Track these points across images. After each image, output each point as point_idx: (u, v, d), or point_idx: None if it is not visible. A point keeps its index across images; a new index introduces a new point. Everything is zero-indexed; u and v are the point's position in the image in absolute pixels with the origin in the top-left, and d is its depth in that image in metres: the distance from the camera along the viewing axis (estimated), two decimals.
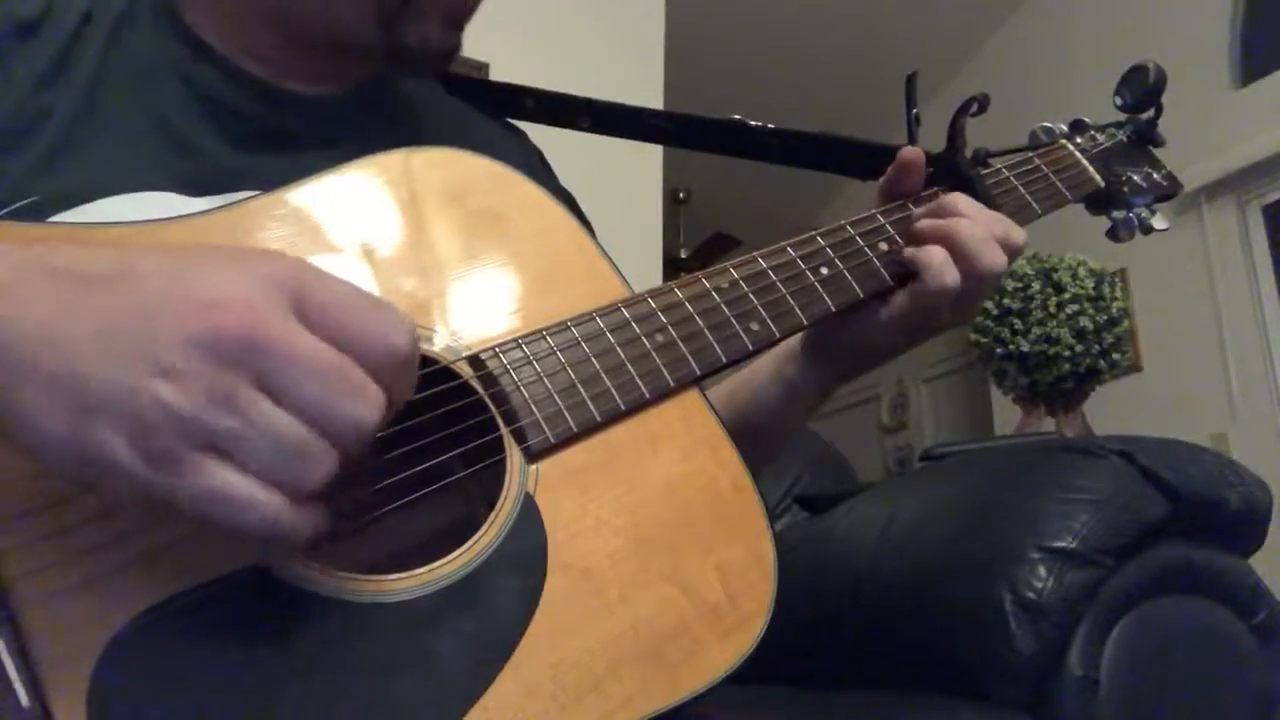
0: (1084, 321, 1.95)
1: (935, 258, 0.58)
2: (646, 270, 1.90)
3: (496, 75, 1.68)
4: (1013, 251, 0.61)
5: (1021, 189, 0.67)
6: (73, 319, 0.32)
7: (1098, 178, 0.73)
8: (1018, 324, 2.01)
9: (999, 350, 2.04)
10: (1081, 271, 2.01)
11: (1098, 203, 0.75)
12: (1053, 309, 1.98)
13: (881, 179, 0.65)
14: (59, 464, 0.32)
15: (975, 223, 0.59)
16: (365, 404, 0.33)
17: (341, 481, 0.34)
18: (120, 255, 0.34)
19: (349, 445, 0.34)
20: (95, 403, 0.31)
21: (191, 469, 0.31)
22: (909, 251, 0.60)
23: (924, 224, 0.61)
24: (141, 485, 0.32)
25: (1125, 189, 0.74)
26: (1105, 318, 1.97)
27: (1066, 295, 1.98)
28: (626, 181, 1.89)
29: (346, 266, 0.47)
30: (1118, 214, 0.74)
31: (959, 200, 0.61)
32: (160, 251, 0.35)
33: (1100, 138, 0.76)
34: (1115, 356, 1.99)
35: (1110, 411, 2.25)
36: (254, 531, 0.32)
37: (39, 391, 0.31)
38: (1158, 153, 0.79)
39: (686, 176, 3.76)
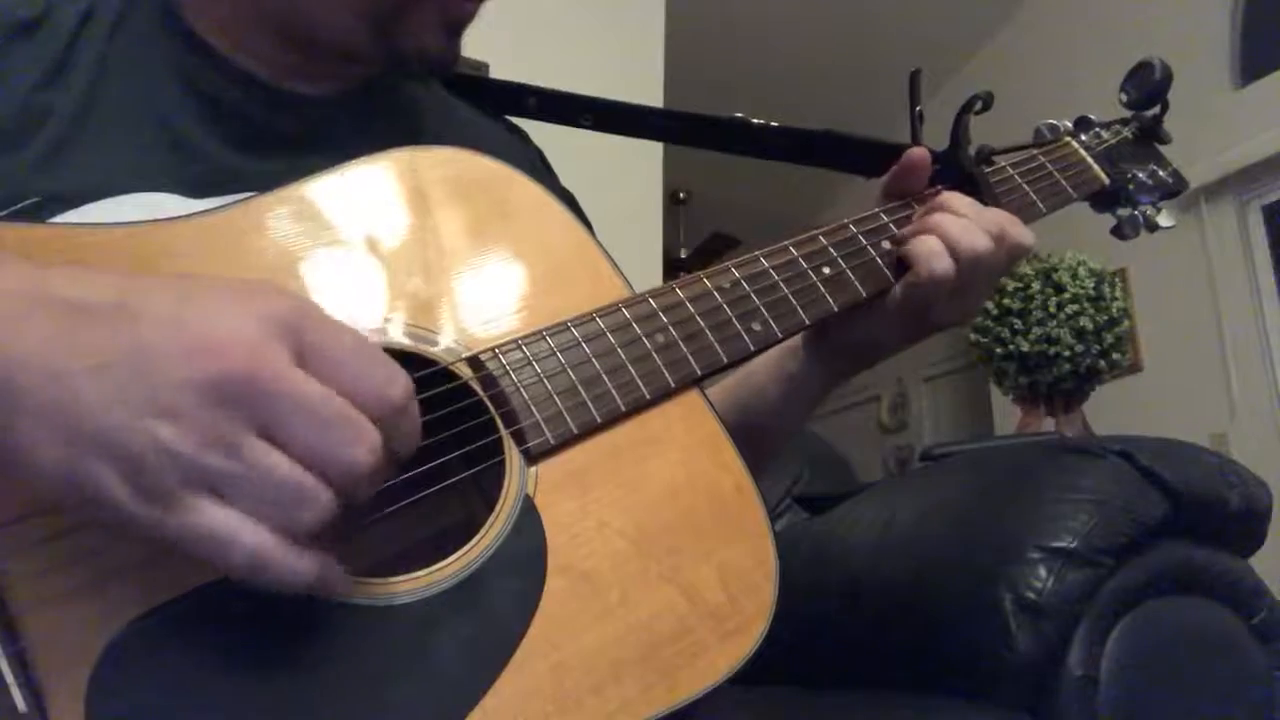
0: (1084, 321, 1.96)
1: (925, 247, 0.58)
2: (646, 270, 1.90)
3: (496, 74, 1.67)
4: (1016, 251, 0.60)
5: (1026, 187, 0.67)
6: (69, 352, 0.32)
7: (1103, 175, 0.72)
8: (1018, 324, 2.01)
9: (999, 350, 2.04)
10: (1081, 271, 2.01)
11: (1102, 200, 0.75)
12: (1053, 309, 1.98)
13: (885, 177, 0.65)
14: (49, 492, 0.32)
15: (962, 216, 0.59)
16: (362, 448, 0.33)
17: (342, 533, 0.34)
18: (119, 286, 0.34)
19: (345, 488, 0.33)
20: (89, 437, 0.31)
21: (181, 507, 0.31)
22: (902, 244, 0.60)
23: (910, 225, 0.61)
24: (130, 519, 0.32)
25: (1130, 186, 0.73)
26: (1105, 318, 1.98)
27: (1066, 295, 1.98)
28: (626, 181, 1.89)
29: (349, 265, 0.46)
30: (1123, 211, 0.74)
31: (952, 198, 0.61)
32: (160, 283, 0.35)
33: (1105, 134, 0.75)
34: (1115, 356, 2.00)
35: (1110, 411, 2.25)
36: (238, 570, 0.32)
37: (33, 421, 0.31)
38: (1162, 149, 0.79)
39: (686, 176, 3.76)
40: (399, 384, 0.35)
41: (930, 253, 0.57)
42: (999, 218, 0.60)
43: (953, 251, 0.57)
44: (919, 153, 0.63)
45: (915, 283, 0.58)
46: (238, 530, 0.32)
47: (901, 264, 0.60)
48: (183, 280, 0.36)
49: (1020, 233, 0.61)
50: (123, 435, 0.31)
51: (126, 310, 0.33)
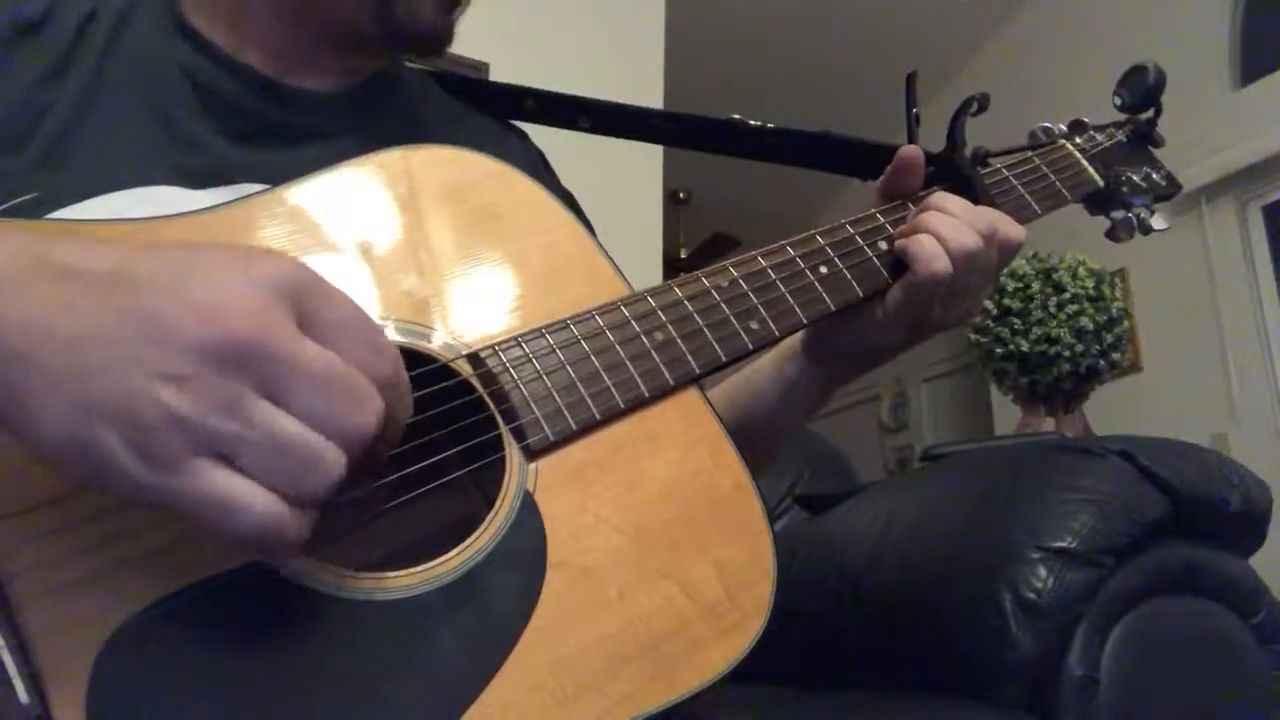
0: (1084, 321, 1.96)
1: (926, 247, 0.58)
2: (646, 270, 1.90)
3: (496, 76, 1.68)
4: (1006, 247, 0.61)
5: (1021, 189, 0.68)
6: (73, 317, 0.32)
7: (1097, 178, 0.73)
8: (1018, 324, 2.01)
9: (999, 350, 2.04)
10: (1081, 271, 2.01)
11: (1097, 203, 0.75)
12: (1053, 309, 1.98)
13: (880, 179, 0.65)
14: (57, 461, 0.32)
15: (952, 216, 0.59)
16: (367, 412, 0.34)
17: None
18: (120, 254, 0.34)
19: (352, 452, 0.34)
20: (94, 402, 0.31)
21: (190, 472, 0.31)
22: (900, 243, 0.60)
23: (902, 226, 0.61)
24: (138, 488, 0.32)
25: (1124, 189, 0.74)
26: (1105, 318, 1.98)
27: (1066, 295, 1.98)
28: (626, 181, 1.89)
29: (345, 264, 0.47)
30: (1117, 214, 0.74)
31: (943, 198, 0.61)
32: (161, 250, 0.35)
33: (1099, 138, 0.76)
34: (1115, 356, 2.00)
35: (1110, 411, 2.25)
36: (251, 537, 0.32)
37: (38, 387, 0.31)
38: (1157, 153, 0.79)
39: (686, 176, 3.76)
40: (385, 359, 0.36)
41: (929, 252, 0.58)
42: (989, 215, 0.61)
43: (945, 250, 0.58)
44: (912, 151, 0.63)
45: (914, 282, 0.59)
46: (248, 495, 0.31)
47: (898, 264, 0.60)
48: (182, 247, 0.35)
49: (1011, 229, 0.61)
50: (130, 401, 0.31)
51: (130, 276, 0.33)
